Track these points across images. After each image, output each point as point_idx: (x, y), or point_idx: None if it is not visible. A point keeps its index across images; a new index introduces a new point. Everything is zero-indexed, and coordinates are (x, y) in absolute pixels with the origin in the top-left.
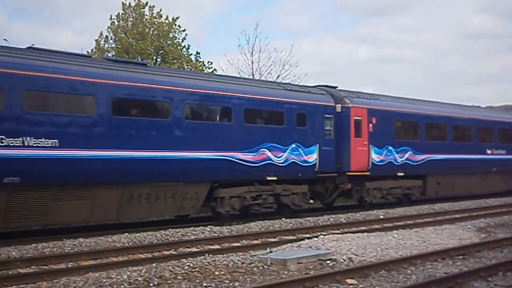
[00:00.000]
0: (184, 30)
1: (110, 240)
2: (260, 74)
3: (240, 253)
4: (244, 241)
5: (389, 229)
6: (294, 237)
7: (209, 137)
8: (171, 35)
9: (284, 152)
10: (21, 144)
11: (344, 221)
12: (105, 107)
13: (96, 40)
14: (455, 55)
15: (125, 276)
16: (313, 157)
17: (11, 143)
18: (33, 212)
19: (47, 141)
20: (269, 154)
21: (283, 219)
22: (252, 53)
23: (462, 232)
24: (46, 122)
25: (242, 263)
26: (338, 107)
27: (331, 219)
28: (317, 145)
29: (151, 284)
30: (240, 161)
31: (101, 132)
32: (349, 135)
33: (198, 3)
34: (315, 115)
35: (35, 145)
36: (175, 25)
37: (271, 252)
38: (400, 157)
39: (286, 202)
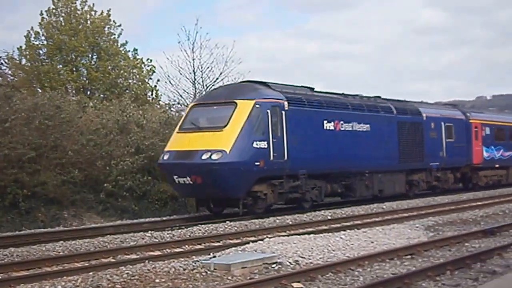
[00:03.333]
0: (119, 26)
1: (43, 248)
2: (201, 71)
3: (182, 259)
4: (186, 246)
5: (337, 230)
6: (238, 241)
7: None
8: (106, 30)
9: None
10: None
11: (290, 223)
12: None
13: (26, 36)
14: (404, 50)
15: (59, 287)
16: None
17: None
18: None
19: None
20: None
21: (227, 222)
22: (193, 49)
23: (410, 231)
24: None
25: (184, 270)
26: None
27: (277, 221)
28: None
29: None
30: None
31: None
32: None
33: None
34: None
35: None
36: (110, 20)
37: (214, 257)
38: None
39: None
